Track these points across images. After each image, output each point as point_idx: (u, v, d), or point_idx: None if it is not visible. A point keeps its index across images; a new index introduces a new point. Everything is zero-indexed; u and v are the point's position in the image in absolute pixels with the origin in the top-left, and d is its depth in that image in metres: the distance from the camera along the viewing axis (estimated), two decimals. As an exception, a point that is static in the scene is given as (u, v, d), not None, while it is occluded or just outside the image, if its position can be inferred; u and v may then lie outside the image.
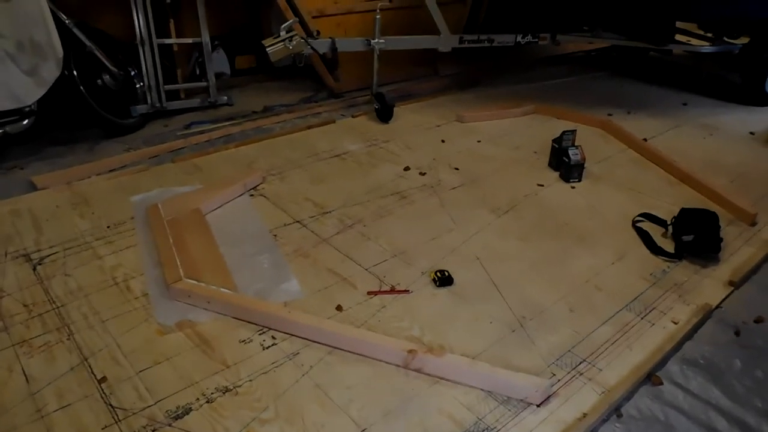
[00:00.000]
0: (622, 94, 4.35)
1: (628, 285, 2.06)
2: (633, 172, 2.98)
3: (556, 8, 4.21)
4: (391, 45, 3.68)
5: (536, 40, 4.16)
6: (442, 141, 3.32)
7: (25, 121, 2.82)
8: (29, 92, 2.69)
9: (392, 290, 1.97)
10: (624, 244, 2.31)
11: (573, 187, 2.78)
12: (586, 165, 2.81)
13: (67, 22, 2.93)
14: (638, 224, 2.43)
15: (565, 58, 5.34)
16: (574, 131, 2.86)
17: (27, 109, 2.79)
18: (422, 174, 2.87)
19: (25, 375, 1.60)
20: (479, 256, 2.18)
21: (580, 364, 1.69)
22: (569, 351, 1.73)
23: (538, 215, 2.51)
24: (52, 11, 2.68)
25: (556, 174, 2.89)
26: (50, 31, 2.64)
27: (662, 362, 1.72)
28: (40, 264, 2.09)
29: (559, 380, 1.62)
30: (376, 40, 3.59)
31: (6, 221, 2.37)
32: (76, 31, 3.00)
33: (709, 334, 1.86)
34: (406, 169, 2.92)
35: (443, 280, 2.00)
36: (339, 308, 1.88)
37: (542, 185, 2.78)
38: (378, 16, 3.53)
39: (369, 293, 1.96)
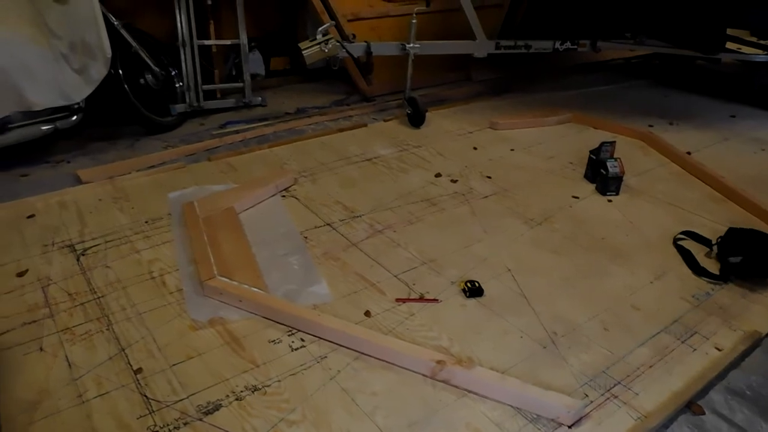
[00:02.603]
0: (664, 104, 4.27)
1: (667, 306, 2.01)
2: (675, 186, 2.92)
3: (598, 14, 4.14)
4: (426, 50, 3.70)
5: (575, 46, 4.12)
6: (474, 148, 3.31)
7: (74, 117, 2.93)
8: (78, 90, 2.79)
9: (421, 298, 1.99)
10: (663, 263, 2.26)
11: (610, 201, 2.74)
12: (624, 178, 2.77)
13: (115, 24, 3.04)
14: (680, 242, 2.37)
15: (604, 65, 5.26)
16: (613, 142, 2.83)
17: (76, 105, 2.91)
18: (453, 181, 2.88)
19: (68, 361, 1.66)
20: (510, 268, 2.17)
21: (614, 386, 1.65)
22: (603, 372, 1.70)
23: (572, 228, 2.49)
24: (102, 13, 2.77)
25: (592, 186, 2.85)
26: (101, 32, 2.73)
27: (704, 390, 1.66)
28: (83, 255, 2.17)
29: (592, 402, 1.59)
30: (411, 45, 3.61)
31: (54, 212, 2.46)
32: (123, 32, 3.10)
33: (757, 363, 1.79)
34: (438, 175, 2.93)
35: (473, 290, 2.01)
36: (368, 314, 1.91)
37: (577, 197, 2.76)
38: (414, 21, 3.55)
39: (397, 300, 1.97)
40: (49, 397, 1.54)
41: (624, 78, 4.93)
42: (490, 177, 2.93)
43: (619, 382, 1.66)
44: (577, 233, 2.45)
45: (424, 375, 1.66)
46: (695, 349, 1.81)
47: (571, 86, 4.59)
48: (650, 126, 3.71)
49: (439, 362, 1.64)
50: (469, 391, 1.61)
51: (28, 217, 2.42)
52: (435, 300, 1.98)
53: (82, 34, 2.71)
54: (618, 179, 2.76)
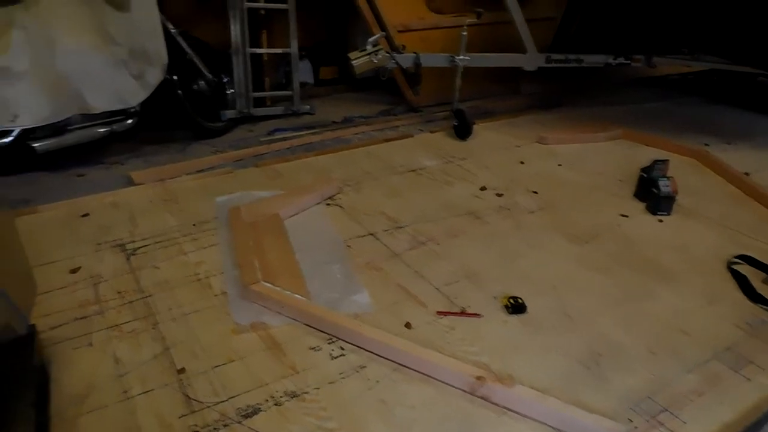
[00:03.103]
0: (721, 122, 4.13)
1: (719, 332, 1.93)
2: (730, 208, 2.81)
3: (655, 29, 4.03)
4: (476, 62, 3.68)
5: (629, 61, 4.02)
6: (521, 162, 3.27)
7: (129, 121, 3.05)
8: (135, 95, 2.90)
9: (462, 312, 1.96)
10: (716, 287, 2.17)
11: (660, 221, 2.66)
12: (677, 198, 2.68)
13: (172, 31, 3.14)
14: (734, 267, 2.28)
15: (657, 81, 5.13)
16: (666, 161, 2.74)
17: (132, 109, 3.02)
18: (499, 195, 2.84)
19: (115, 357, 1.71)
20: (554, 285, 2.13)
21: (661, 413, 1.59)
22: (648, 397, 1.64)
23: (620, 247, 2.42)
24: (161, 21, 2.87)
25: (643, 205, 2.77)
26: (159, 40, 2.84)
27: (758, 424, 1.58)
28: (133, 254, 2.24)
29: (636, 427, 1.54)
30: (461, 57, 3.60)
31: (107, 212, 2.55)
32: (179, 39, 3.20)
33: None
34: (483, 188, 2.90)
35: (516, 307, 1.97)
36: (408, 325, 1.89)
37: (626, 216, 2.68)
38: (464, 33, 3.54)
39: (438, 313, 1.96)
40: (96, 392, 1.59)
41: (679, 94, 4.79)
42: (536, 192, 2.89)
43: (666, 409, 1.60)
44: (624, 253, 2.38)
45: (463, 390, 1.63)
46: (750, 380, 1.73)
47: (622, 101, 4.49)
48: (706, 144, 3.58)
49: (479, 378, 1.61)
50: (509, 410, 1.57)
51: (83, 215, 2.52)
52: (477, 315, 1.96)
53: (142, 41, 2.81)
54: (670, 199, 2.67)
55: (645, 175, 2.78)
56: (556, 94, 4.57)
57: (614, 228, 2.57)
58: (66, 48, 2.65)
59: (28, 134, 2.77)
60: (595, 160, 3.33)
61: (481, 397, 1.61)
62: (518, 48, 3.83)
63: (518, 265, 2.26)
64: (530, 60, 3.85)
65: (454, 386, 1.65)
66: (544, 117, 4.11)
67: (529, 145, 3.54)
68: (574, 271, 2.24)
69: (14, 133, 2.73)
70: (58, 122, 2.78)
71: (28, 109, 2.61)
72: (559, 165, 3.25)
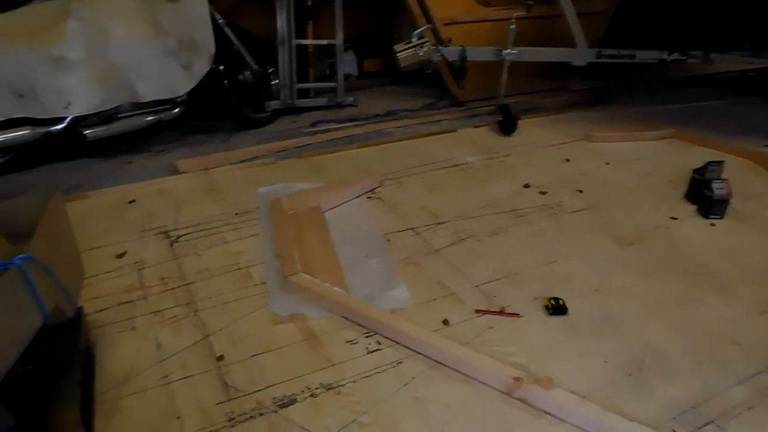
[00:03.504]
0: (782, 123, 3.92)
1: (773, 343, 1.83)
2: (788, 214, 2.67)
3: (714, 23, 3.85)
4: (523, 56, 3.61)
5: (684, 57, 3.85)
6: (567, 160, 3.19)
7: (176, 110, 3.12)
8: (182, 84, 2.96)
9: (501, 312, 1.93)
10: (771, 297, 2.07)
11: (712, 225, 2.54)
12: (731, 201, 2.56)
13: (220, 22, 3.19)
14: (790, 275, 2.16)
15: (713, 78, 4.92)
16: (721, 163, 2.63)
17: (179, 99, 3.09)
18: (542, 193, 2.78)
19: (157, 342, 1.75)
20: (597, 288, 2.06)
21: (706, 424, 1.52)
22: (694, 408, 1.57)
23: (668, 251, 2.33)
24: (210, 12, 2.92)
25: (694, 208, 2.66)
26: (207, 31, 2.89)
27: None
28: (176, 242, 2.28)
29: (679, 438, 1.48)
30: (508, 51, 3.53)
31: (153, 199, 2.62)
32: (227, 30, 3.24)
33: None
34: (526, 186, 2.84)
35: (557, 308, 1.92)
36: (446, 323, 1.87)
37: (675, 218, 2.58)
38: (512, 26, 3.47)
39: (477, 311, 1.93)
40: (138, 375, 1.63)
41: (737, 93, 4.58)
42: (581, 191, 2.81)
43: (712, 421, 1.53)
44: (672, 257, 2.29)
45: (500, 391, 1.60)
46: (805, 396, 1.64)
47: (675, 100, 4.32)
48: (766, 146, 3.42)
49: (516, 379, 1.58)
50: (546, 413, 1.53)
51: (129, 202, 2.59)
52: (516, 314, 1.92)
53: (190, 32, 2.87)
54: (724, 202, 2.55)
55: (698, 177, 2.67)
56: (606, 91, 4.44)
57: (662, 230, 2.48)
58: (118, 38, 2.72)
59: (79, 122, 2.87)
60: (644, 160, 3.22)
61: (519, 399, 1.58)
62: (567, 42, 3.73)
63: (560, 265, 2.21)
64: (580, 55, 3.74)
65: (490, 386, 1.62)
66: (592, 114, 4.00)
67: (575, 143, 3.45)
68: (618, 274, 2.17)
69: (67, 121, 2.82)
70: (108, 110, 2.86)
71: (80, 97, 2.69)
72: (607, 164, 3.16)
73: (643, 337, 1.83)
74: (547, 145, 3.40)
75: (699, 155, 3.15)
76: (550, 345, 1.79)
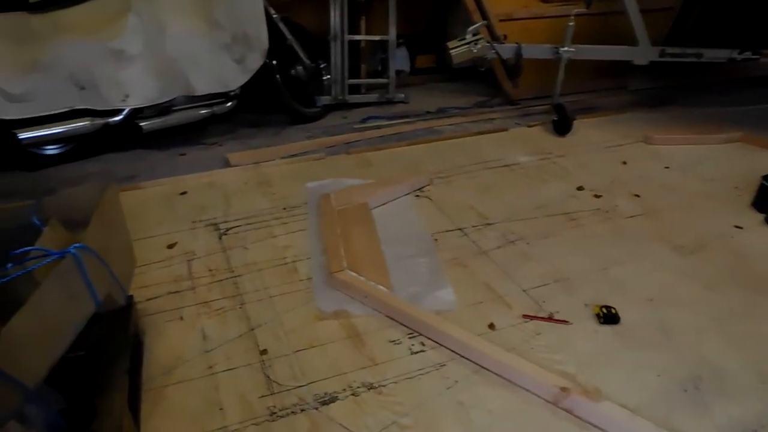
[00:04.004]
0: None
1: None
2: None
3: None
4: (582, 54, 3.49)
5: (757, 56, 3.63)
6: (624, 163, 3.07)
7: (229, 104, 3.17)
8: (236, 78, 3.01)
9: (550, 318, 1.87)
10: (842, 313, 1.93)
11: (781, 235, 2.40)
12: (802, 210, 2.41)
13: (274, 16, 3.21)
14: None
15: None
16: (792, 169, 2.47)
17: (231, 93, 3.13)
18: (597, 196, 2.68)
19: (203, 333, 1.78)
20: (653, 298, 1.97)
21: (769, 448, 1.44)
22: (756, 430, 1.48)
23: (731, 261, 2.20)
24: (264, 7, 2.95)
25: (761, 217, 2.50)
26: (261, 25, 2.92)
27: None
28: (225, 234, 2.32)
29: (737, 460, 1.40)
30: (565, 49, 3.43)
31: (204, 191, 2.67)
32: (281, 25, 3.27)
33: None
34: (580, 188, 2.75)
35: (608, 317, 1.85)
36: (491, 326, 1.83)
37: (740, 228, 2.43)
38: (571, 23, 3.36)
39: (524, 316, 1.87)
40: (184, 365, 1.66)
41: (812, 95, 4.30)
42: (638, 195, 2.70)
43: (776, 446, 1.44)
44: (736, 268, 2.16)
45: (545, 400, 1.55)
46: None
47: (744, 101, 4.09)
48: (842, 152, 3.20)
49: (563, 389, 1.53)
50: (593, 425, 1.48)
51: (181, 193, 2.65)
52: (565, 321, 1.86)
53: (244, 27, 2.90)
54: (795, 212, 2.40)
55: (766, 184, 2.52)
56: (668, 92, 4.25)
57: (726, 239, 2.34)
58: (175, 32, 2.79)
59: (136, 114, 2.95)
60: (707, 164, 3.06)
61: (564, 410, 1.52)
62: (629, 40, 3.58)
63: (614, 272, 2.12)
64: (642, 53, 3.59)
65: (536, 394, 1.57)
66: (652, 115, 3.83)
67: (633, 145, 3.32)
68: (676, 283, 2.06)
69: (124, 113, 2.91)
70: (164, 103, 2.93)
71: (138, 90, 2.77)
72: (666, 167, 3.01)
73: (702, 351, 1.74)
74: (604, 147, 3.28)
75: (768, 161, 2.98)
76: (600, 355, 1.72)
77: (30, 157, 2.87)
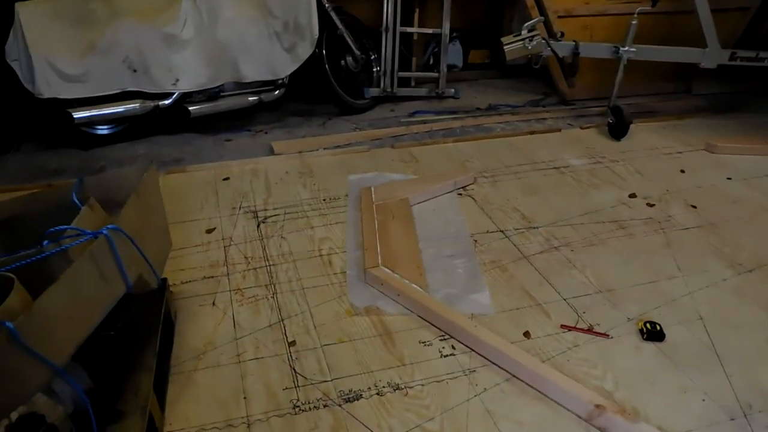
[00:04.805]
0: None
1: None
2: None
3: None
4: (643, 55, 3.32)
5: (839, 63, 3.38)
6: (682, 171, 2.91)
7: (277, 92, 3.18)
8: (285, 66, 3.02)
9: (590, 330, 1.78)
10: None
11: None
12: None
13: (326, 6, 3.20)
14: None
15: None
16: None
17: (280, 81, 3.14)
18: (650, 205, 2.55)
19: (234, 320, 1.78)
20: (703, 316, 1.85)
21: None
22: (807, 469, 1.38)
23: (793, 283, 2.05)
24: (316, -4, 2.94)
25: (829, 237, 2.33)
26: (312, 14, 2.91)
27: None
28: (263, 222, 2.32)
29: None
30: (626, 48, 3.27)
31: (246, 178, 2.69)
32: (332, 15, 3.25)
33: None
34: (632, 196, 2.62)
35: (652, 333, 1.74)
36: (527, 335, 1.76)
37: (806, 247, 2.27)
38: (634, 22, 3.21)
39: (562, 326, 1.79)
40: (213, 350, 1.66)
41: None
42: (695, 206, 2.55)
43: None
44: (800, 290, 2.01)
45: (578, 416, 1.48)
46: None
47: (818, 111, 3.82)
48: None
49: (598, 406, 1.45)
50: (629, 448, 1.40)
51: (224, 179, 2.67)
52: (605, 335, 1.76)
53: (296, 15, 2.90)
54: None
55: (839, 201, 2.34)
56: (736, 97, 4.01)
57: (790, 259, 2.19)
58: (227, 19, 2.81)
59: (185, 98, 3.00)
60: (775, 176, 2.87)
61: (598, 428, 1.44)
62: (696, 41, 3.39)
63: (662, 286, 2.00)
64: (710, 56, 3.38)
65: (569, 410, 1.50)
66: (717, 122, 3.62)
67: (693, 153, 3.14)
68: (730, 302, 1.93)
69: (174, 96, 2.96)
70: (213, 88, 2.97)
71: (188, 74, 2.81)
72: (729, 178, 2.84)
73: (755, 377, 1.62)
74: (661, 153, 3.12)
75: (844, 176, 2.77)
76: (642, 373, 1.63)
77: (83, 136, 2.96)
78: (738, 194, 2.68)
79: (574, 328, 1.79)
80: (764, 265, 2.13)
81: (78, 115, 2.77)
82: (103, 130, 3.02)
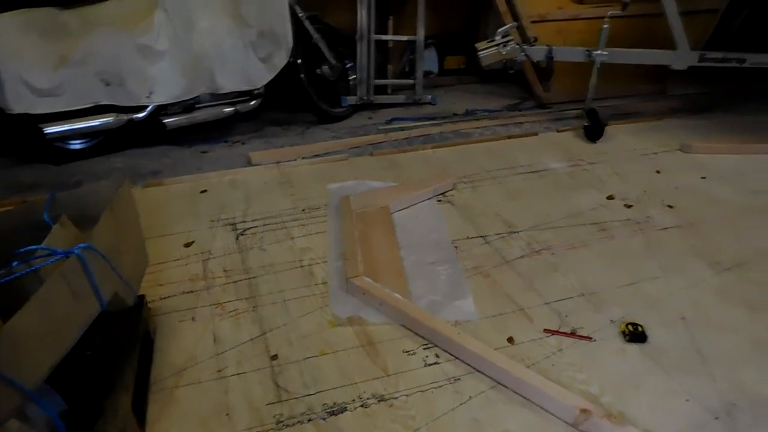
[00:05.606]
0: None
1: None
2: None
3: None
4: (616, 58, 3.37)
5: (808, 63, 3.46)
6: (658, 172, 2.94)
7: (253, 102, 3.16)
8: (261, 76, 2.99)
9: (573, 334, 1.78)
10: None
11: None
12: None
13: (300, 15, 3.18)
14: None
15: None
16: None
17: (256, 91, 3.12)
18: (628, 206, 2.57)
19: (215, 335, 1.74)
20: (685, 317, 1.86)
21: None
22: (792, 468, 1.39)
23: (774, 281, 2.07)
24: (290, 5, 2.92)
25: (804, 233, 2.37)
26: (287, 23, 2.89)
27: None
28: (243, 234, 2.29)
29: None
30: (599, 52, 3.31)
31: (225, 190, 2.65)
32: (306, 24, 3.24)
33: None
34: (610, 197, 2.64)
35: (635, 335, 1.75)
36: (510, 340, 1.75)
37: (782, 244, 2.31)
38: (605, 26, 3.25)
39: (546, 331, 1.79)
40: (195, 366, 1.63)
41: None
42: (672, 206, 2.57)
43: (817, 486, 1.33)
44: (778, 288, 2.03)
45: (564, 421, 1.47)
46: None
47: (789, 110, 3.90)
48: None
49: (584, 411, 1.44)
50: (616, 452, 1.39)
51: (202, 191, 2.63)
52: (588, 338, 1.77)
53: (271, 24, 2.88)
54: (843, 229, 2.25)
55: (812, 198, 2.38)
56: (710, 98, 4.08)
57: (767, 256, 2.21)
58: (202, 29, 2.78)
59: (160, 110, 2.96)
60: (750, 175, 2.90)
61: (585, 433, 1.44)
62: (667, 44, 3.45)
63: (644, 288, 2.01)
64: (680, 58, 3.44)
65: (554, 415, 1.49)
66: (692, 122, 3.67)
67: (669, 153, 3.18)
68: (712, 302, 1.95)
69: (148, 109, 2.92)
70: (188, 100, 2.93)
71: (163, 86, 2.78)
72: (703, 178, 2.88)
73: (738, 377, 1.63)
74: (638, 155, 3.16)
75: (815, 173, 2.82)
76: (626, 376, 1.63)
77: (55, 151, 2.90)
78: (713, 193, 2.71)
79: (558, 332, 1.79)
80: (743, 263, 2.16)
81: (49, 130, 2.71)
82: (76, 144, 2.96)
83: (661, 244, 2.28)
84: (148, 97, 2.76)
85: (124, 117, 2.87)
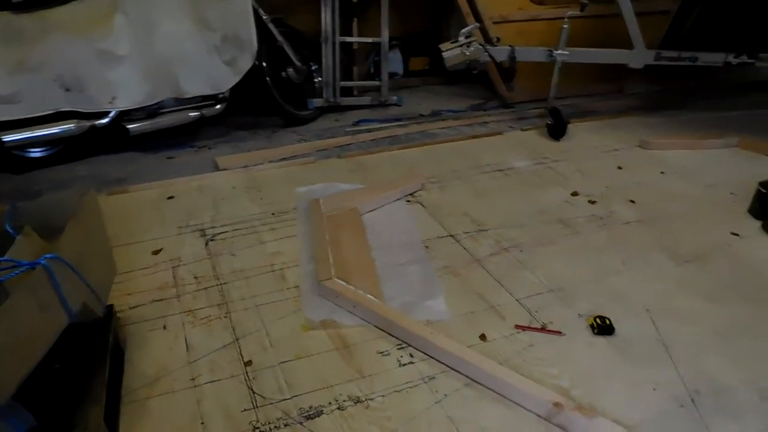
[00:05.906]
0: None
1: None
2: None
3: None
4: (576, 58, 3.45)
5: (753, 60, 3.61)
6: (619, 168, 3.03)
7: (218, 106, 3.12)
8: (225, 80, 2.96)
9: (543, 329, 1.82)
10: None
11: (778, 243, 2.35)
12: (800, 217, 2.37)
13: (264, 18, 3.17)
14: None
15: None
16: (788, 175, 2.44)
17: (221, 95, 3.08)
18: (592, 202, 2.64)
19: (187, 343, 1.72)
20: (649, 309, 1.93)
21: (768, 470, 1.39)
22: (755, 450, 1.45)
23: (731, 271, 2.15)
24: (254, 8, 2.90)
25: (758, 224, 2.46)
26: (251, 26, 2.87)
27: None
28: (212, 240, 2.26)
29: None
30: (560, 52, 3.39)
31: (192, 196, 2.62)
32: (271, 26, 3.22)
33: None
34: (574, 194, 2.71)
35: (602, 328, 1.80)
36: (483, 337, 1.78)
37: (737, 235, 2.39)
38: (565, 26, 3.32)
39: (517, 327, 1.83)
40: (167, 376, 1.60)
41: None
42: (633, 201, 2.65)
43: (777, 467, 1.39)
44: (737, 278, 2.11)
45: (537, 415, 1.50)
46: None
47: (741, 106, 4.06)
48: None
49: (556, 404, 1.48)
50: (588, 443, 1.43)
51: (169, 198, 2.59)
52: (558, 332, 1.81)
53: (235, 28, 2.86)
54: (793, 219, 2.36)
55: (764, 190, 2.48)
56: (665, 96, 4.22)
57: (724, 248, 2.30)
58: (164, 33, 2.74)
59: (123, 116, 2.90)
60: (704, 169, 3.02)
61: (558, 426, 1.47)
62: (625, 43, 3.55)
63: (610, 282, 2.07)
64: (637, 57, 3.55)
65: (528, 410, 1.52)
66: (649, 120, 3.79)
67: (629, 150, 3.28)
68: (674, 294, 2.02)
69: (111, 115, 2.86)
70: (152, 105, 2.88)
71: (125, 92, 2.72)
72: (662, 173, 2.98)
73: (700, 365, 1.69)
74: (600, 151, 3.24)
75: (765, 166, 2.94)
76: (595, 368, 1.68)
77: (15, 160, 2.82)
78: (673, 188, 2.81)
79: (528, 328, 1.82)
80: (702, 255, 2.24)
81: (8, 138, 2.63)
82: (36, 152, 2.87)
83: (624, 239, 2.35)
84: (110, 102, 2.70)
85: (86, 123, 2.79)
